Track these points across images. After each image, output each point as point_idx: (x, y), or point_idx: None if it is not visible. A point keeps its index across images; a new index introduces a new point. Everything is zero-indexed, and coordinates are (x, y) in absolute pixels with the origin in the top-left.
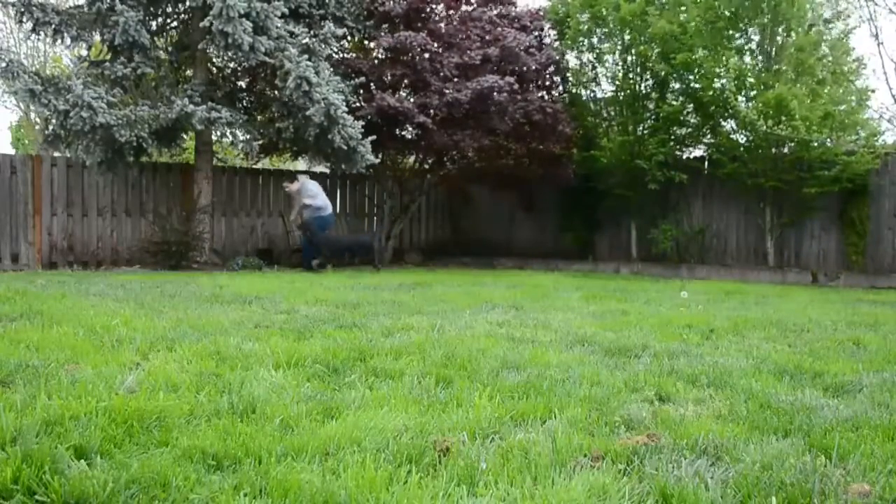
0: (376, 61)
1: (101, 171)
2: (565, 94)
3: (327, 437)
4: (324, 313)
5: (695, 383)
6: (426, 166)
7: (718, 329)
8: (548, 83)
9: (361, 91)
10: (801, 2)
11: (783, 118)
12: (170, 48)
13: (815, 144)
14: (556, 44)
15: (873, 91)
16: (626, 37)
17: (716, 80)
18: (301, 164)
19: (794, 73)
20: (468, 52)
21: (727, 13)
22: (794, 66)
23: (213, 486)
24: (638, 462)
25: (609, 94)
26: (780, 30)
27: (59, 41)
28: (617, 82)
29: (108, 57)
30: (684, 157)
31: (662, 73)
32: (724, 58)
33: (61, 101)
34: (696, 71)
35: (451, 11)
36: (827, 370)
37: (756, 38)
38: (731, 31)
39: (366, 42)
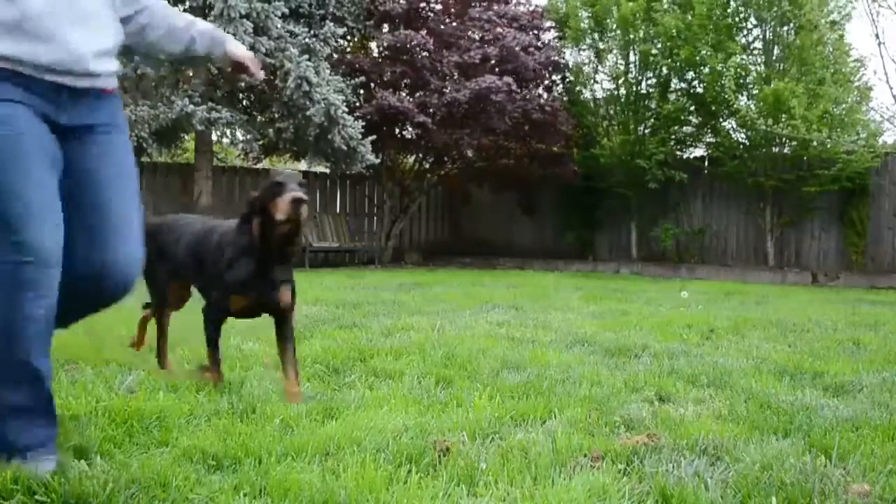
0: (377, 61)
1: None
2: (565, 94)
3: (327, 437)
4: (324, 313)
5: (695, 383)
6: (426, 166)
7: (718, 329)
8: (547, 82)
9: (361, 90)
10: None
11: (783, 117)
12: None
13: (815, 143)
14: (556, 42)
15: (870, 89)
16: (629, 35)
17: (718, 77)
18: (301, 164)
19: (798, 73)
20: (468, 51)
21: (734, 5)
22: (797, 66)
23: (213, 486)
24: (638, 462)
25: (609, 93)
26: (785, 29)
27: None
28: (618, 81)
29: None
30: (685, 156)
31: (665, 71)
32: (723, 55)
33: None
34: (698, 68)
35: (451, 10)
36: (827, 370)
37: (759, 34)
38: (735, 30)
39: (365, 41)
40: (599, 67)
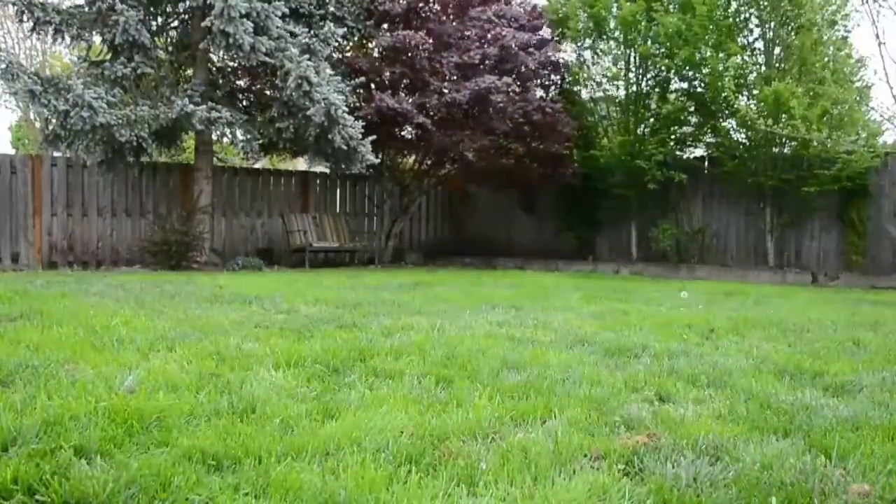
0: (377, 61)
1: (101, 171)
2: (564, 94)
3: (327, 437)
4: (324, 313)
5: (695, 383)
6: (426, 166)
7: (718, 329)
8: (547, 82)
9: (361, 91)
10: (804, 1)
11: (783, 117)
12: (170, 48)
13: (815, 143)
14: (556, 42)
15: (869, 87)
16: (629, 36)
17: (718, 77)
18: (301, 164)
19: (798, 73)
20: (467, 52)
21: (734, 7)
22: (798, 66)
23: (213, 486)
24: (638, 462)
25: (609, 94)
26: (785, 31)
27: (60, 40)
28: (617, 81)
29: (108, 57)
30: (684, 156)
31: (664, 71)
32: (724, 55)
33: (61, 101)
34: (699, 68)
35: (450, 10)
36: (827, 370)
37: (760, 34)
38: (736, 31)
39: (365, 41)
40: (599, 68)
